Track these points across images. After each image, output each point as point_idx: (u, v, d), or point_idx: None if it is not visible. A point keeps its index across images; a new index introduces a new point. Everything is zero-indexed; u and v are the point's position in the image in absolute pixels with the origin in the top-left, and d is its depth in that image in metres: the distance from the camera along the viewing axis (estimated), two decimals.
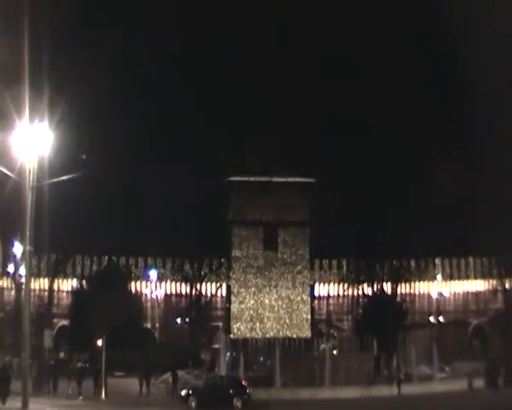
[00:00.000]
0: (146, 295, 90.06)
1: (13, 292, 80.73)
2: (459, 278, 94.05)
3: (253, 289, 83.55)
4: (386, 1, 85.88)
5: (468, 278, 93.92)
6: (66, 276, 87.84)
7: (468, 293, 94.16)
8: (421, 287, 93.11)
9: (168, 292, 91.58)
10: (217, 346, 71.47)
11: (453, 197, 77.20)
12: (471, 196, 76.99)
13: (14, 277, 76.99)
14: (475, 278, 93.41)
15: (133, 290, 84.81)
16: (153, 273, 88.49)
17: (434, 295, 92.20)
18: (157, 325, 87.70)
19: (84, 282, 79.44)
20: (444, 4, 68.85)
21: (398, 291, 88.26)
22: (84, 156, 52.50)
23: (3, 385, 41.96)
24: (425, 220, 77.15)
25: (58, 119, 31.28)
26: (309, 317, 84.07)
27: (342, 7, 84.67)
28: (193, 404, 46.36)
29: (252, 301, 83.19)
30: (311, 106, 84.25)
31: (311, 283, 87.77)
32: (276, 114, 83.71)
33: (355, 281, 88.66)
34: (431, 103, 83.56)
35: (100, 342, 53.36)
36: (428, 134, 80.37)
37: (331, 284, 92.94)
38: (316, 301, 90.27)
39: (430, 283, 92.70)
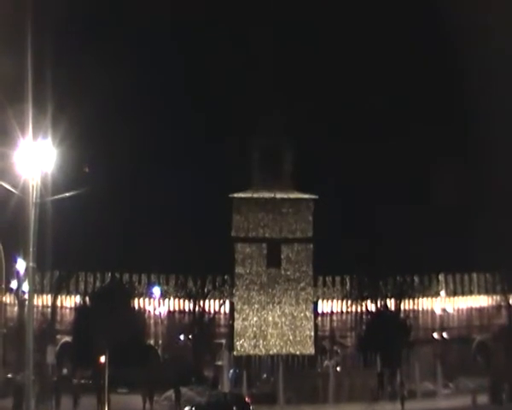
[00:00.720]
0: (149, 311, 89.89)
1: (16, 308, 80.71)
2: (463, 293, 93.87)
3: (256, 306, 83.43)
4: (385, 2, 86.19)
5: (471, 293, 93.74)
6: (69, 292, 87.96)
7: (471, 309, 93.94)
8: (424, 303, 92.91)
9: (171, 309, 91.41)
10: (220, 363, 71.40)
11: (456, 212, 77.24)
12: (474, 210, 76.97)
13: (17, 293, 77.00)
14: (479, 293, 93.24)
15: (136, 307, 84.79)
16: (156, 290, 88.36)
17: (438, 312, 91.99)
18: (160, 341, 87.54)
19: (87, 298, 79.47)
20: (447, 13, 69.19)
21: (402, 308, 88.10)
22: (87, 169, 52.48)
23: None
24: (428, 236, 77.09)
25: (61, 136, 31.36)
26: (312, 334, 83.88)
27: (340, 11, 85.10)
28: None
29: (255, 318, 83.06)
30: (313, 123, 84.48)
31: (315, 299, 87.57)
32: (279, 130, 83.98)
33: (358, 297, 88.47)
34: (432, 116, 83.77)
35: (103, 359, 53.26)
36: (430, 148, 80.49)
37: (334, 300, 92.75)
38: (319, 318, 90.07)
39: (434, 299, 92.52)
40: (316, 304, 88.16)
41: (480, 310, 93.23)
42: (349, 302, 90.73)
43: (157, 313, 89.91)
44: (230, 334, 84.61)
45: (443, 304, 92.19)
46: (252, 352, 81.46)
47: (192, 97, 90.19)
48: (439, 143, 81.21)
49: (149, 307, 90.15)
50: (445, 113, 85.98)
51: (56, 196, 33.01)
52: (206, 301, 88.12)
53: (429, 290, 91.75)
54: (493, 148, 71.58)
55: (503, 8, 63.11)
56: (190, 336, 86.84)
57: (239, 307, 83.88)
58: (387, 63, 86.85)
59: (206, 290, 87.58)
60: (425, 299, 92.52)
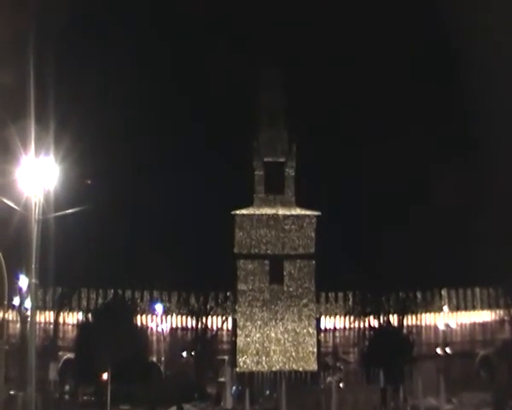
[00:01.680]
0: (151, 328, 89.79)
1: (18, 325, 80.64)
2: (466, 308, 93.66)
3: (258, 323, 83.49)
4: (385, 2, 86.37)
5: (474, 308, 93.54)
6: (71, 309, 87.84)
7: (474, 324, 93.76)
8: (427, 318, 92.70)
9: (174, 326, 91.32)
10: (223, 379, 71.26)
11: (459, 227, 77.19)
12: (475, 224, 76.89)
13: (20, 309, 76.96)
14: (482, 308, 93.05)
15: (139, 324, 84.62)
16: (158, 307, 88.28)
17: (441, 327, 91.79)
18: (163, 358, 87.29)
19: (89, 315, 79.36)
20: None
21: (405, 323, 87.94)
22: (90, 182, 52.58)
23: None
24: (430, 251, 77.04)
25: (63, 152, 31.49)
26: (315, 350, 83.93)
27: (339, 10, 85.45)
28: None
29: (258, 335, 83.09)
30: (315, 138, 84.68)
31: (317, 316, 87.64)
32: (281, 146, 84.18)
33: (361, 313, 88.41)
34: (432, 131, 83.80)
35: (105, 376, 53.23)
36: (433, 162, 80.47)
37: (337, 316, 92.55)
38: (322, 334, 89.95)
39: (436, 314, 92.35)
40: (318, 320, 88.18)
41: (483, 325, 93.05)
42: (352, 318, 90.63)
43: (159, 329, 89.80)
44: (233, 350, 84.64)
45: (446, 319, 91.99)
46: (254, 368, 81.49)
47: (195, 112, 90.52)
48: (439, 158, 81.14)
49: (152, 324, 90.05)
50: (447, 129, 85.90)
51: (59, 213, 33.11)
52: (209, 317, 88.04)
53: (432, 306, 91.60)
54: (495, 161, 71.60)
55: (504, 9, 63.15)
56: (193, 353, 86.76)
57: (241, 323, 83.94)
58: (386, 70, 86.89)
59: (208, 307, 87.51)
60: (428, 314, 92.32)
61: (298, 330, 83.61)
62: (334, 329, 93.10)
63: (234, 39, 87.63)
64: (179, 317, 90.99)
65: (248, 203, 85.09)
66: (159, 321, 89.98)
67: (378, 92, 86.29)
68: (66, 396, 71.28)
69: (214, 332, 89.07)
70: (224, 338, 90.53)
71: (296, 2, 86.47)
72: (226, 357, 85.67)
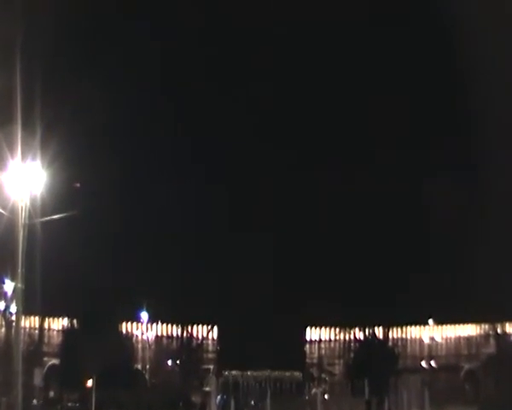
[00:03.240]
0: (137, 336, 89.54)
1: (3, 329, 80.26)
2: (451, 322, 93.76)
3: (244, 333, 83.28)
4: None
5: (459, 322, 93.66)
6: (56, 315, 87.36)
7: (459, 338, 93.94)
8: (413, 332, 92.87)
9: (159, 334, 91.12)
10: (208, 388, 71.19)
11: (446, 243, 77.48)
12: (464, 241, 77.11)
13: (5, 314, 76.62)
14: (467, 322, 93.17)
15: (124, 331, 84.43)
16: (144, 315, 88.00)
17: (426, 340, 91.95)
18: (148, 366, 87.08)
19: (74, 321, 79.08)
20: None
21: (390, 336, 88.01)
22: (78, 185, 52.48)
23: None
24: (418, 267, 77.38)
25: (50, 157, 31.49)
26: (301, 361, 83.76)
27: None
28: None
29: (243, 344, 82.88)
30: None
31: (303, 326, 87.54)
32: None
33: (347, 325, 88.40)
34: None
35: (90, 382, 53.12)
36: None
37: (323, 328, 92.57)
38: (307, 345, 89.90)
39: (422, 327, 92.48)
40: (304, 331, 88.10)
41: (469, 339, 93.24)
42: (337, 330, 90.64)
43: (145, 337, 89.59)
44: (218, 360, 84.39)
45: (431, 333, 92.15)
46: (239, 378, 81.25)
47: (182, 114, 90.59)
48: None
49: (137, 332, 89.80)
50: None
51: (45, 218, 33.05)
52: (194, 326, 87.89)
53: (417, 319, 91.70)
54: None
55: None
56: (178, 362, 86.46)
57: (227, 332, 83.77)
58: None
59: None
60: (413, 327, 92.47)
61: (284, 341, 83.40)
62: (320, 340, 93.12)
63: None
64: (165, 325, 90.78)
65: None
66: (144, 329, 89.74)
67: None
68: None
69: (200, 341, 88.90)
70: (210, 347, 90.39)
71: None
72: (211, 366, 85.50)
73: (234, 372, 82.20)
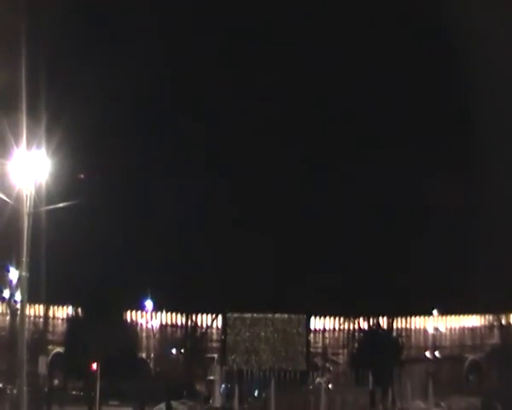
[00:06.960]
0: (141, 324, 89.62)
1: (8, 318, 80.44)
2: (455, 313, 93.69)
3: (248, 322, 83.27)
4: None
5: (464, 313, 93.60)
6: (61, 303, 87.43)
7: (464, 328, 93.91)
8: (417, 322, 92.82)
9: (164, 322, 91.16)
10: (212, 377, 71.24)
11: (451, 234, 77.41)
12: (466, 233, 77.12)
13: (10, 302, 76.79)
14: (471, 313, 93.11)
15: (129, 320, 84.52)
16: (148, 303, 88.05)
17: (430, 331, 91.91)
18: (152, 355, 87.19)
19: (79, 309, 79.14)
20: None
21: (395, 326, 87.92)
22: (82, 176, 52.54)
23: None
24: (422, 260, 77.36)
25: (55, 146, 31.49)
26: (304, 350, 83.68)
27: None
28: None
29: (247, 334, 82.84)
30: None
31: (307, 316, 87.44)
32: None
33: (351, 315, 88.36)
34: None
35: (94, 366, 53.15)
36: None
37: (327, 317, 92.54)
38: (311, 335, 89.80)
39: (426, 318, 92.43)
40: (308, 320, 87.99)
41: (473, 330, 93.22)
42: (341, 320, 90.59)
43: (149, 326, 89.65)
44: (222, 349, 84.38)
45: (435, 323, 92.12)
46: (244, 367, 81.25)
47: (186, 107, 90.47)
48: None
49: (141, 320, 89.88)
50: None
51: (50, 207, 33.04)
52: (199, 315, 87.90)
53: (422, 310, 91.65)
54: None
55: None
56: (182, 350, 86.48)
57: (231, 322, 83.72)
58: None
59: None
60: (418, 318, 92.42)
61: (287, 330, 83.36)
62: (324, 330, 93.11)
63: None
64: (169, 314, 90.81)
65: None
66: (148, 318, 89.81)
67: None
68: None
69: (204, 330, 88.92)
70: (214, 336, 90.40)
71: None
72: (215, 355, 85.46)
73: (238, 361, 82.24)
